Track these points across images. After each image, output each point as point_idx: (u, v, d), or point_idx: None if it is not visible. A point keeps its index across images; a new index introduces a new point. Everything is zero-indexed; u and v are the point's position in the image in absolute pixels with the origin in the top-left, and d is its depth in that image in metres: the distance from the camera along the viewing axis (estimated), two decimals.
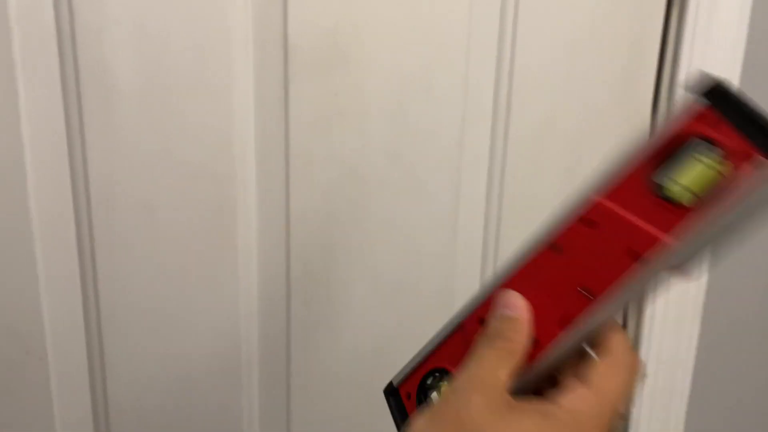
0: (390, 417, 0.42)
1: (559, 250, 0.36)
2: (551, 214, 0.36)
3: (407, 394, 0.42)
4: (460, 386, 0.36)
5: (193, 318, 0.79)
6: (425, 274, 0.82)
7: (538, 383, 0.37)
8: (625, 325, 0.92)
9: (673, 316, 0.88)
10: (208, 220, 0.75)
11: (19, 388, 0.76)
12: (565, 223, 0.36)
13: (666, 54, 0.82)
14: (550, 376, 0.37)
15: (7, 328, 0.74)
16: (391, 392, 0.43)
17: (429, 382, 0.41)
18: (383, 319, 0.83)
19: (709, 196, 0.32)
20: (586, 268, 0.35)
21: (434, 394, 0.41)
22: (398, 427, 0.42)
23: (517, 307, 0.37)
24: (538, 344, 0.36)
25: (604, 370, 0.35)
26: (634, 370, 0.36)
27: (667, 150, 0.33)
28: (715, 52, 0.79)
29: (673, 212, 0.32)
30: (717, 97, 0.32)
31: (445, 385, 0.40)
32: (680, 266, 0.33)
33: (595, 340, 0.36)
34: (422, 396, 0.41)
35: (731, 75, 0.80)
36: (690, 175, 0.32)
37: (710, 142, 0.32)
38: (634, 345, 0.91)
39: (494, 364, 0.36)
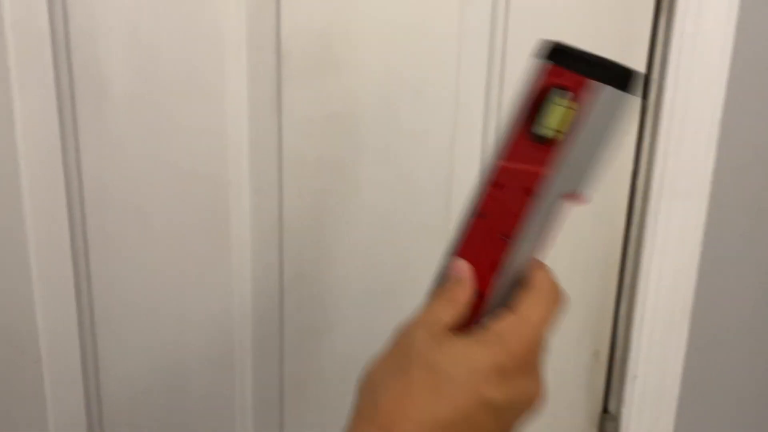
0: None
1: (484, 216, 0.44)
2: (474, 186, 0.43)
3: None
4: (408, 327, 0.43)
5: (187, 320, 0.79)
6: (418, 277, 0.83)
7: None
8: (615, 328, 0.93)
9: (661, 318, 0.89)
10: (201, 223, 0.76)
11: (12, 391, 0.76)
12: (483, 192, 0.44)
13: (654, 58, 0.83)
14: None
15: (1, 330, 0.74)
16: None
17: None
18: (377, 322, 0.83)
19: (571, 128, 0.41)
20: (502, 219, 0.43)
21: None
22: None
23: (459, 269, 0.44)
24: (481, 296, 0.44)
25: (527, 299, 0.42)
26: (555, 299, 0.43)
27: (535, 106, 0.42)
28: (702, 55, 0.80)
29: (549, 150, 0.42)
30: (558, 54, 0.42)
31: None
32: (571, 193, 0.42)
33: (522, 279, 0.43)
34: None
35: (719, 75, 0.81)
36: (554, 118, 0.42)
37: (562, 88, 0.41)
38: (625, 345, 0.92)
39: (438, 311, 0.43)
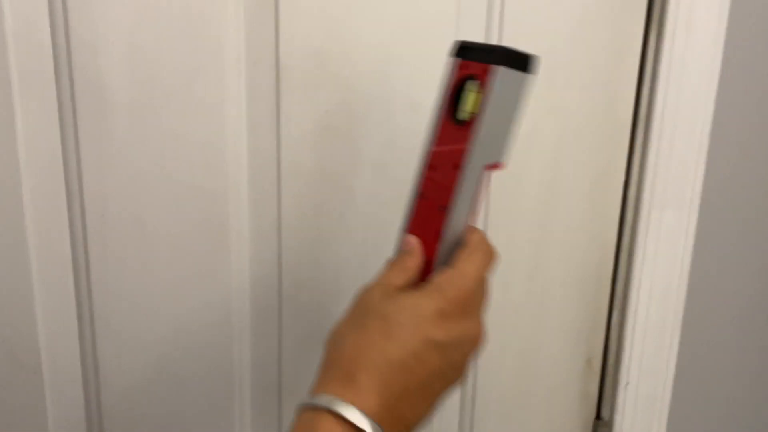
0: None
1: (425, 196, 0.52)
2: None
3: None
4: (365, 291, 0.51)
5: (186, 329, 0.79)
6: None
7: None
8: (607, 336, 0.94)
9: (653, 326, 0.90)
10: (200, 233, 0.76)
11: (12, 401, 0.76)
12: (421, 176, 0.52)
13: (645, 69, 0.84)
14: None
15: (1, 341, 0.74)
16: None
17: None
18: None
19: (482, 108, 0.48)
20: (439, 195, 0.50)
21: None
22: None
23: (408, 242, 0.52)
24: (429, 262, 0.51)
25: (462, 256, 0.50)
26: (487, 254, 0.50)
27: (453, 96, 0.50)
28: (692, 66, 0.82)
29: (467, 129, 0.49)
30: (465, 50, 0.50)
31: None
32: (491, 164, 0.49)
33: (460, 242, 0.51)
34: None
35: (709, 86, 0.82)
36: (468, 102, 0.49)
37: (471, 77, 0.49)
38: (618, 352, 0.93)
39: (390, 276, 0.50)
